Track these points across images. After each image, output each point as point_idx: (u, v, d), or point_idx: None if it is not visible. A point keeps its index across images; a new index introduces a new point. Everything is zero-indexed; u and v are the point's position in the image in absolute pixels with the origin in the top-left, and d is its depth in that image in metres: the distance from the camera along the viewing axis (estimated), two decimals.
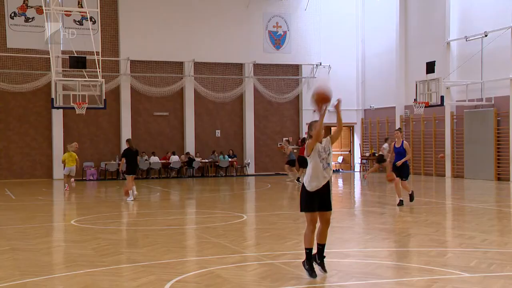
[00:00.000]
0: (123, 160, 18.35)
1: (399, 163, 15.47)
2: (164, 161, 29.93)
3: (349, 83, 33.53)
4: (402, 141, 15.73)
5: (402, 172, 15.49)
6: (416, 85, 25.39)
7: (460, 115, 26.95)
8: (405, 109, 30.19)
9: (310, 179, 7.52)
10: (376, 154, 32.43)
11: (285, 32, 32.53)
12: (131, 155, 18.25)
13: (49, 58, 24.38)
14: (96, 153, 29.64)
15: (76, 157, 22.05)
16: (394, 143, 15.86)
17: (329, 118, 35.35)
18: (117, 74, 29.59)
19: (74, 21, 28.24)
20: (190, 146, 30.73)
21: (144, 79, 30.18)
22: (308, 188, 7.56)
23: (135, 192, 18.24)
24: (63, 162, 22.37)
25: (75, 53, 24.24)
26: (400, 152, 15.55)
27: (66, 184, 21.95)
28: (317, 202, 7.55)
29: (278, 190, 22.33)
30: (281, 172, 32.25)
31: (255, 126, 32.29)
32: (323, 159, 7.58)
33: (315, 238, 7.63)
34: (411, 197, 15.55)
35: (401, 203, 15.43)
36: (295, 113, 33.31)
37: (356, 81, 33.74)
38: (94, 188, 24.52)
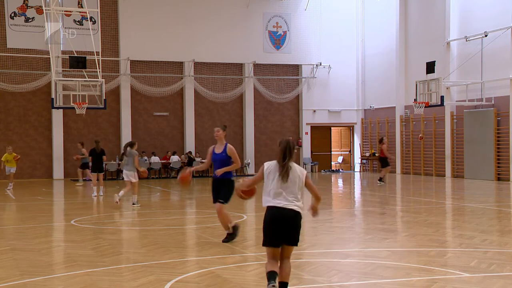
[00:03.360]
0: (90, 158, 20.02)
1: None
2: (164, 161, 29.94)
3: (349, 83, 33.56)
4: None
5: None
6: (416, 85, 25.39)
7: (460, 115, 26.95)
8: (405, 109, 30.19)
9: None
10: (377, 154, 32.45)
11: (285, 32, 32.53)
12: (95, 155, 19.58)
13: (49, 58, 24.39)
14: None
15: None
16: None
17: (329, 119, 35.22)
18: (117, 74, 29.59)
19: (74, 21, 28.25)
20: (190, 146, 30.73)
21: (144, 79, 30.19)
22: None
23: (101, 193, 19.60)
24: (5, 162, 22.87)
25: (75, 53, 24.23)
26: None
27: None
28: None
29: None
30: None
31: (255, 126, 32.30)
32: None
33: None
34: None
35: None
36: (295, 113, 33.32)
37: (356, 81, 33.75)
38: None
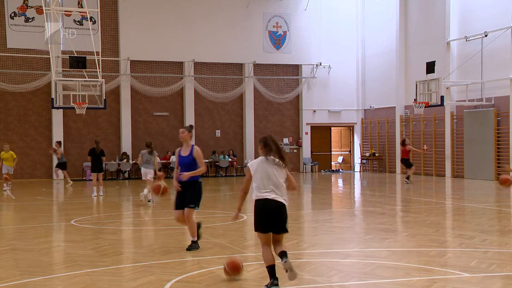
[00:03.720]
0: (89, 158, 20.06)
1: None
2: (164, 161, 29.93)
3: (349, 83, 33.56)
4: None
5: None
6: (416, 85, 25.39)
7: (460, 115, 26.95)
8: (405, 109, 30.20)
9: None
10: (377, 154, 32.44)
11: (285, 32, 32.54)
12: (94, 155, 19.81)
13: (49, 58, 24.39)
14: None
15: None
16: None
17: (329, 119, 35.21)
18: (117, 74, 29.59)
19: (74, 21, 28.25)
20: None
21: (144, 79, 30.19)
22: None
23: (101, 192, 19.76)
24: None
25: (75, 53, 24.23)
26: None
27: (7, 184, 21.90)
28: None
29: None
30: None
31: (255, 126, 32.30)
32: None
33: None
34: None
35: None
36: (295, 113, 33.32)
37: (356, 81, 33.75)
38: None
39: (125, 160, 29.00)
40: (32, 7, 28.10)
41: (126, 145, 29.91)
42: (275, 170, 6.99)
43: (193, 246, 9.67)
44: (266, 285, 6.97)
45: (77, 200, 19.33)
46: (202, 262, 8.76)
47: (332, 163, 34.35)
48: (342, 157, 34.75)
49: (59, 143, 25.47)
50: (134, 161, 29.53)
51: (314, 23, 32.60)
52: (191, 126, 10.00)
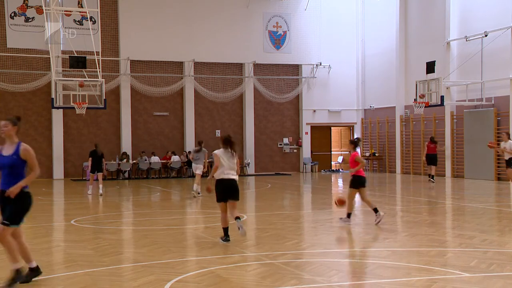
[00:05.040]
0: (90, 159, 20.65)
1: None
2: (164, 161, 29.94)
3: (349, 83, 33.56)
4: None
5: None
6: (416, 85, 25.38)
7: (460, 115, 26.94)
8: (405, 109, 30.19)
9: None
10: (377, 154, 32.43)
11: (285, 32, 32.54)
12: (95, 157, 20.55)
13: (49, 58, 24.39)
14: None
15: None
16: None
17: (329, 119, 35.20)
18: (117, 74, 29.59)
19: (74, 21, 28.25)
20: (190, 146, 30.69)
21: (144, 79, 30.19)
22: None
23: (101, 191, 20.12)
24: None
25: (75, 53, 24.24)
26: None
27: None
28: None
29: (278, 190, 22.33)
30: (281, 172, 32.28)
31: (255, 126, 32.30)
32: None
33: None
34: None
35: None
36: (295, 113, 33.32)
37: (356, 81, 33.75)
38: (94, 188, 24.47)
39: (125, 160, 28.99)
40: (32, 7, 28.10)
41: (126, 145, 29.91)
42: (232, 158, 10.30)
43: (13, 280, 7.17)
44: (220, 238, 10.30)
45: (77, 200, 19.32)
46: (202, 262, 8.76)
47: (332, 163, 34.35)
48: (342, 157, 34.74)
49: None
50: (134, 161, 29.56)
51: (314, 23, 32.59)
52: (18, 118, 7.81)
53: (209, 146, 31.42)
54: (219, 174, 10.20)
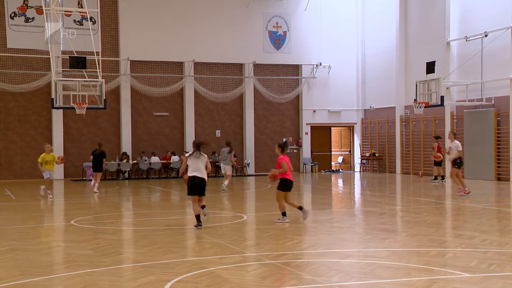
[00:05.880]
0: (91, 157, 21.92)
1: None
2: (164, 161, 29.94)
3: (349, 83, 33.57)
4: None
5: None
6: (416, 85, 25.38)
7: (460, 115, 26.94)
8: (405, 109, 30.19)
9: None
10: (377, 154, 32.44)
11: (285, 32, 32.54)
12: (95, 156, 21.75)
13: (49, 58, 24.38)
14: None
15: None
16: None
17: (329, 119, 35.18)
18: (117, 74, 29.60)
19: (74, 21, 28.25)
20: (190, 146, 30.70)
21: (144, 79, 30.19)
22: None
23: (95, 189, 21.05)
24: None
25: (75, 53, 24.23)
26: None
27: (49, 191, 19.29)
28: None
29: None
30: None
31: (255, 126, 32.31)
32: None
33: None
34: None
35: None
36: (295, 113, 33.32)
37: (356, 81, 33.75)
38: (94, 188, 24.48)
39: (125, 160, 28.99)
40: (32, 7, 28.10)
41: (126, 145, 29.91)
42: (199, 160, 12.17)
43: None
44: (194, 225, 12.10)
45: (77, 200, 19.32)
46: (202, 262, 8.76)
47: (332, 163, 34.35)
48: (342, 157, 34.74)
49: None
50: (134, 161, 29.55)
51: (314, 23, 32.60)
52: None
53: (209, 146, 31.51)
54: (189, 173, 12.25)
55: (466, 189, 18.72)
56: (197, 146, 12.29)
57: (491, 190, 21.17)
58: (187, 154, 12.43)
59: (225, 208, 16.51)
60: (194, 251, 10.10)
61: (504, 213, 14.86)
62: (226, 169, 21.19)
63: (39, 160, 19.19)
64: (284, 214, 12.85)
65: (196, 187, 12.21)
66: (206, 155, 12.36)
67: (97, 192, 20.76)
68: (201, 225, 12.02)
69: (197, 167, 12.13)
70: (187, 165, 12.38)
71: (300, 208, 12.81)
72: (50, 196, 19.03)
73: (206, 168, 12.29)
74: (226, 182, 20.70)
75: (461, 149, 19.39)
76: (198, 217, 12.11)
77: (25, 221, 13.85)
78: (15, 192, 21.85)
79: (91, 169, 23.49)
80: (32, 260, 9.05)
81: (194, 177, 12.16)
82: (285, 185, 12.70)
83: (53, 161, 19.17)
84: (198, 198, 12.25)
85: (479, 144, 25.65)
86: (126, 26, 29.82)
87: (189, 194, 12.35)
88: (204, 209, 12.32)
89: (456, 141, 19.35)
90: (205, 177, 12.24)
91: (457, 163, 19.03)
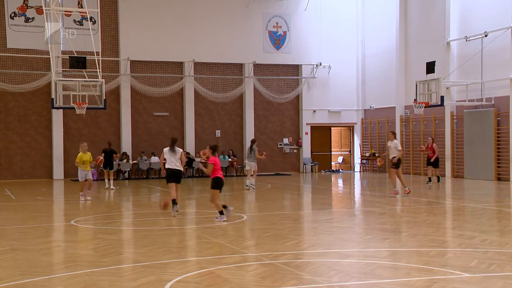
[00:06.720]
0: (103, 155, 22.88)
1: None
2: (164, 161, 29.90)
3: (349, 83, 33.56)
4: None
5: None
6: (416, 85, 25.38)
7: (460, 115, 26.95)
8: (405, 109, 30.19)
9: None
10: (377, 155, 32.45)
11: (285, 32, 32.54)
12: (106, 154, 23.43)
13: (49, 58, 24.36)
14: (96, 153, 29.50)
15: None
16: None
17: (329, 119, 35.19)
18: (117, 74, 29.59)
19: (74, 21, 28.25)
20: (190, 146, 30.74)
21: (144, 79, 30.19)
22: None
23: (112, 186, 22.75)
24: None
25: (75, 53, 24.23)
26: None
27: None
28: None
29: (278, 190, 22.33)
30: (281, 172, 32.28)
31: (255, 126, 32.30)
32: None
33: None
34: None
35: None
36: (295, 113, 33.32)
37: (356, 81, 33.75)
38: (94, 188, 24.46)
39: (125, 160, 28.98)
40: (32, 7, 28.10)
41: (126, 145, 29.91)
42: (174, 153, 14.24)
43: None
44: (173, 215, 13.83)
45: (77, 200, 19.31)
46: (202, 262, 8.76)
47: (332, 163, 34.35)
48: (342, 157, 34.74)
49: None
50: (134, 161, 29.54)
51: (314, 23, 32.60)
52: None
53: (221, 147, 31.47)
54: (166, 165, 14.28)
55: (406, 189, 18.70)
56: (173, 142, 14.42)
57: (491, 190, 21.17)
58: (164, 149, 14.45)
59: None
60: (194, 251, 10.10)
61: (504, 213, 14.87)
62: (251, 165, 21.79)
63: (77, 160, 18.29)
64: (221, 213, 13.20)
65: (173, 175, 14.22)
66: (181, 149, 14.57)
67: (113, 189, 22.38)
68: (177, 209, 13.98)
69: (171, 160, 14.21)
70: (164, 159, 14.35)
71: (225, 206, 13.36)
72: (88, 198, 18.37)
73: (181, 160, 14.31)
74: (253, 181, 21.62)
75: (400, 148, 19.33)
76: (174, 201, 13.93)
77: (25, 221, 13.85)
78: (15, 192, 21.85)
79: (93, 169, 24.33)
80: (32, 260, 9.05)
81: (168, 168, 14.22)
82: (218, 184, 13.39)
83: (89, 162, 18.37)
84: (175, 185, 14.16)
85: (479, 144, 25.66)
86: (126, 26, 29.82)
87: (168, 182, 14.32)
88: (175, 205, 13.97)
89: (395, 141, 19.32)
90: (181, 168, 14.38)
91: (395, 163, 18.92)
